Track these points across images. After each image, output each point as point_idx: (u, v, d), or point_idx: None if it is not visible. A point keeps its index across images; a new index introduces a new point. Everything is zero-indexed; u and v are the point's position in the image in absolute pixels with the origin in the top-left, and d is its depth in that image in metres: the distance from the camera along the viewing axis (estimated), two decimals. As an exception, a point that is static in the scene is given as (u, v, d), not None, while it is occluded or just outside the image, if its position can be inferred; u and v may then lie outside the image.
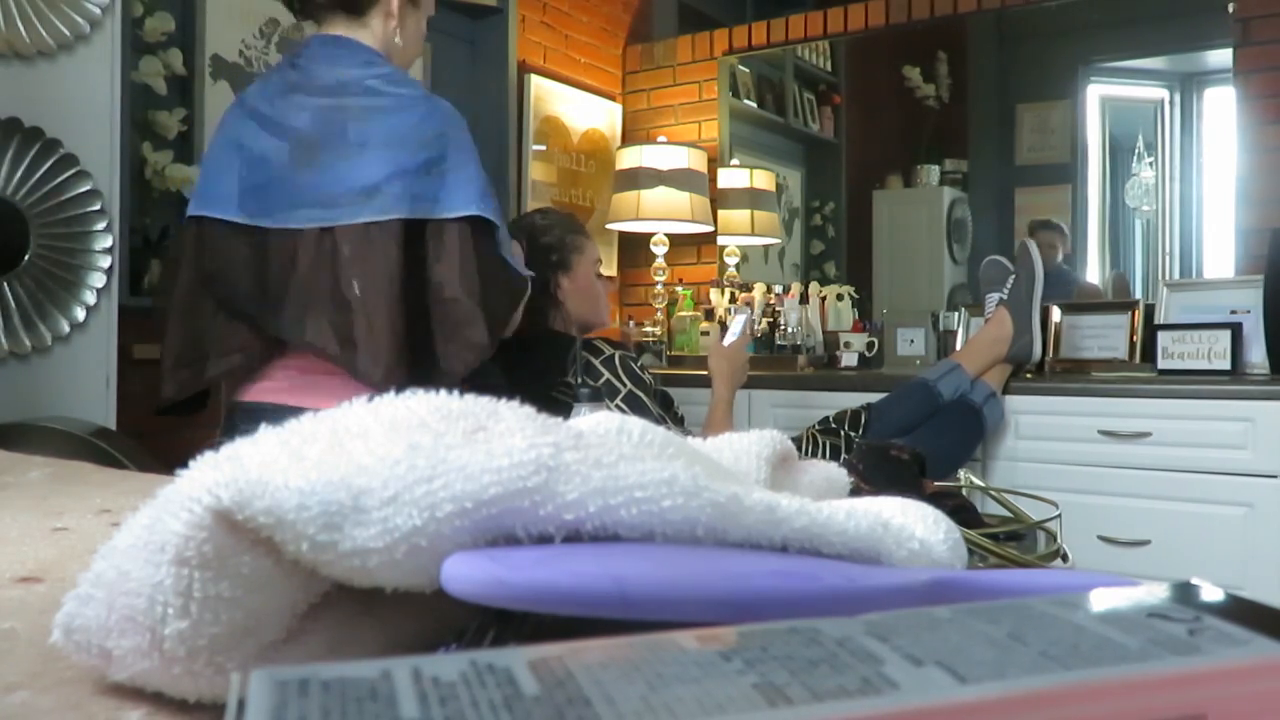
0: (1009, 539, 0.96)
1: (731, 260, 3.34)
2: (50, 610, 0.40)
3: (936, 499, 0.85)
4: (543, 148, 3.30)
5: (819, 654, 0.23)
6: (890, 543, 0.44)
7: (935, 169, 3.33)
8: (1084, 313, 2.70)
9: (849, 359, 3.01)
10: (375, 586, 0.37)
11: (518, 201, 3.18)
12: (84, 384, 1.73)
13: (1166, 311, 2.59)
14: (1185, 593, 0.28)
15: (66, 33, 1.70)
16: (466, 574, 0.34)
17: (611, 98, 3.64)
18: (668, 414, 1.94)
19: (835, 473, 0.66)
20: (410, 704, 0.21)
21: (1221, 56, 2.74)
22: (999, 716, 0.21)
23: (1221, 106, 2.78)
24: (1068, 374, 2.58)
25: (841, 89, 3.68)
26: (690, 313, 3.30)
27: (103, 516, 0.77)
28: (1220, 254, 2.77)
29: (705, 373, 2.11)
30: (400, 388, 0.44)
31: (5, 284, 1.65)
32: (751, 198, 3.39)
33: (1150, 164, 2.94)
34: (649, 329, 3.27)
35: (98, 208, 1.75)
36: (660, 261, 3.26)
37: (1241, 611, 0.26)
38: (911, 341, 2.92)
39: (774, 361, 3.02)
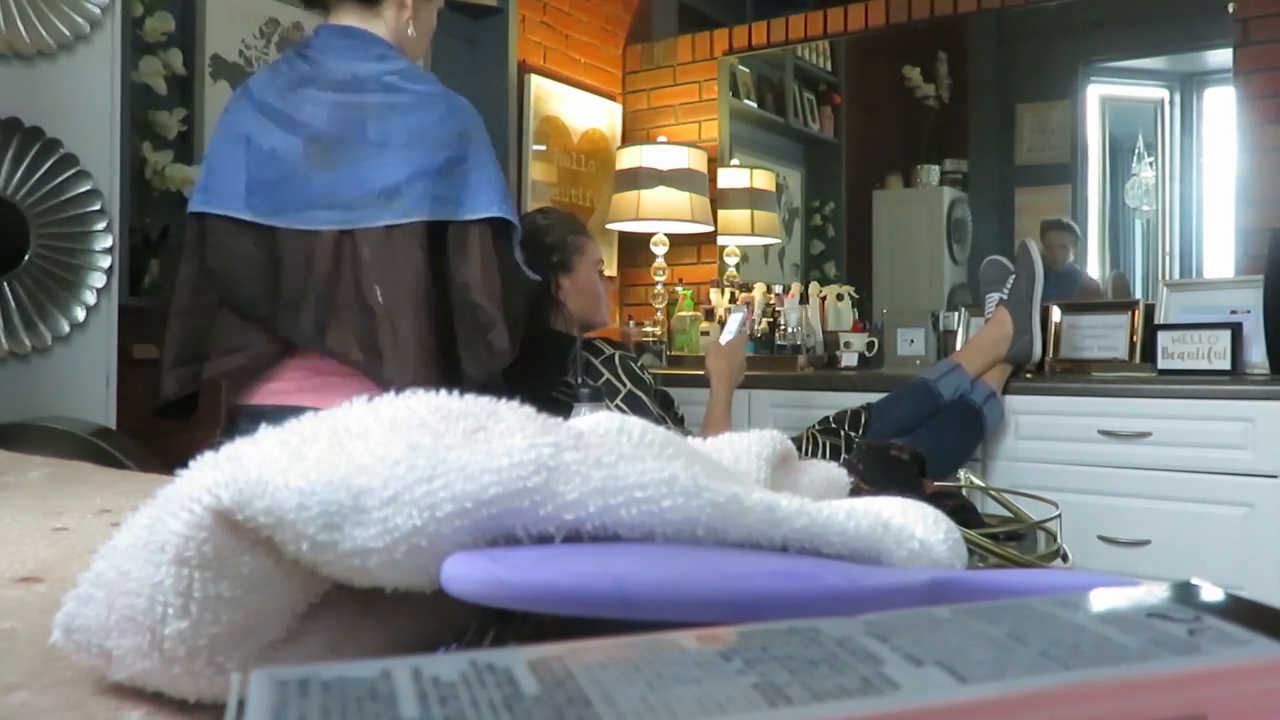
0: (1009, 539, 0.96)
1: (731, 260, 3.34)
2: (50, 610, 0.40)
3: (936, 499, 0.85)
4: (543, 148, 3.30)
5: (819, 654, 0.23)
6: (890, 543, 0.44)
7: (935, 169, 3.33)
8: (1084, 313, 2.70)
9: (849, 359, 3.01)
10: (375, 586, 0.37)
11: (518, 202, 3.19)
12: (84, 384, 1.73)
13: (1166, 311, 2.59)
14: (1185, 593, 0.28)
15: (66, 33, 1.70)
16: (466, 574, 0.34)
17: (611, 98, 3.64)
18: (668, 414, 1.94)
19: (835, 473, 0.66)
20: (410, 704, 0.21)
21: (1221, 56, 2.74)
22: (999, 716, 0.21)
23: (1221, 106, 2.78)
24: (1068, 374, 2.58)
25: (841, 89, 3.68)
26: (690, 313, 3.30)
27: (103, 516, 0.77)
28: (1220, 254, 2.77)
29: (705, 372, 2.11)
30: None
31: (5, 284, 1.65)
32: (751, 198, 3.39)
33: (1150, 164, 2.94)
34: (649, 329, 3.27)
35: (98, 208, 1.75)
36: (660, 261, 3.26)
37: (1241, 611, 0.26)
38: (911, 341, 2.92)
39: (774, 361, 3.02)
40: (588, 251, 1.95)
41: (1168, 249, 2.92)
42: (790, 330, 3.04)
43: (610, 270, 3.45)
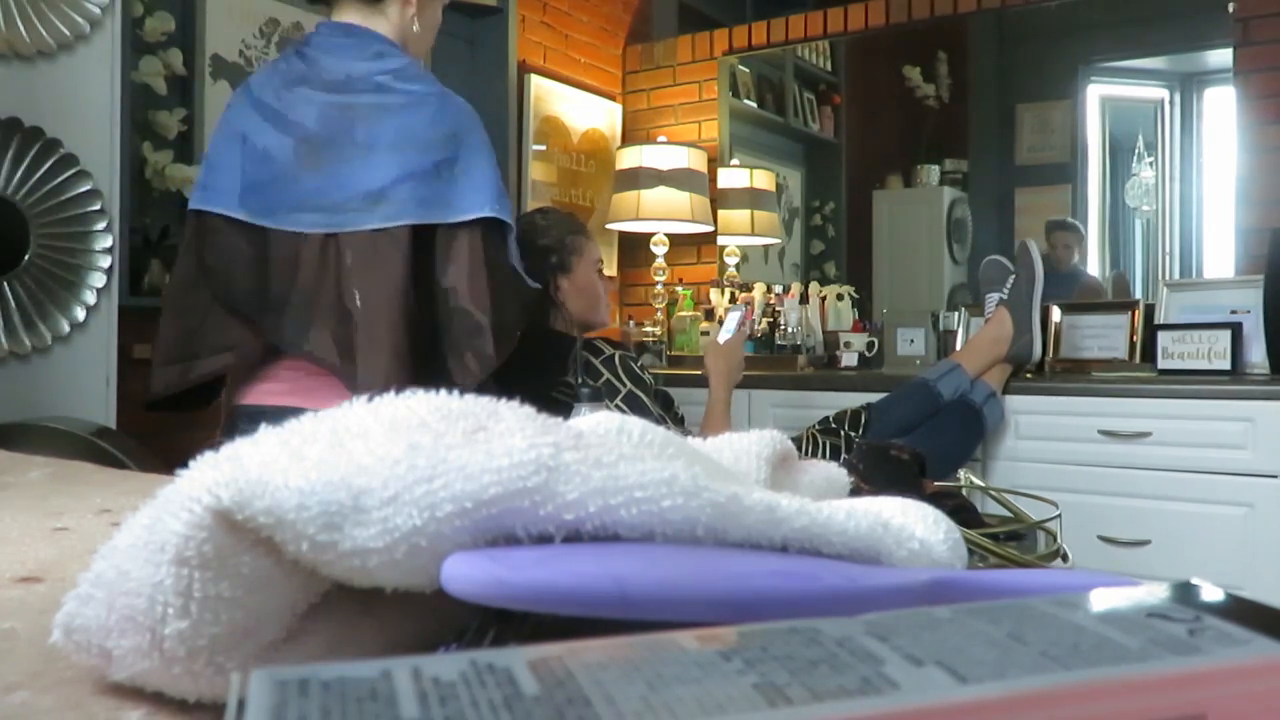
0: (1009, 539, 0.96)
1: (731, 260, 3.34)
2: (50, 610, 0.40)
3: (936, 499, 0.85)
4: (543, 148, 3.30)
5: (819, 654, 0.23)
6: (890, 543, 0.44)
7: (935, 169, 3.33)
8: (1084, 313, 2.70)
9: (849, 359, 3.01)
10: (375, 586, 0.37)
11: (518, 201, 3.18)
12: (84, 384, 1.73)
13: (1166, 311, 2.59)
14: (1185, 593, 0.28)
15: (66, 33, 1.70)
16: (466, 574, 0.34)
17: (611, 98, 3.64)
18: (668, 414, 1.94)
19: (835, 473, 0.66)
20: (410, 704, 0.21)
21: (1221, 56, 2.74)
22: (999, 716, 0.21)
23: (1221, 106, 2.78)
24: (1068, 374, 2.58)
25: (841, 89, 3.68)
26: (690, 313, 3.30)
27: (103, 516, 0.77)
28: (1220, 254, 2.78)
29: (703, 372, 2.11)
30: None
31: (5, 284, 1.65)
32: (751, 198, 3.39)
33: (1150, 164, 2.94)
34: (649, 329, 3.27)
35: (98, 208, 1.75)
36: (660, 261, 3.26)
37: (1241, 611, 0.26)
38: (911, 341, 2.92)
39: (774, 361, 3.02)
40: (587, 252, 1.95)
41: (1168, 249, 2.92)
42: (790, 330, 3.04)
43: (610, 270, 3.45)
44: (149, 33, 2.18)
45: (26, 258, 1.68)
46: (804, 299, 3.25)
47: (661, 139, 3.40)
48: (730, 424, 2.03)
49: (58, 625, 0.39)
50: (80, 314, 1.73)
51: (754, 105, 3.63)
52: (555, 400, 1.76)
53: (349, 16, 1.43)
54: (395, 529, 0.36)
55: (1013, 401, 2.41)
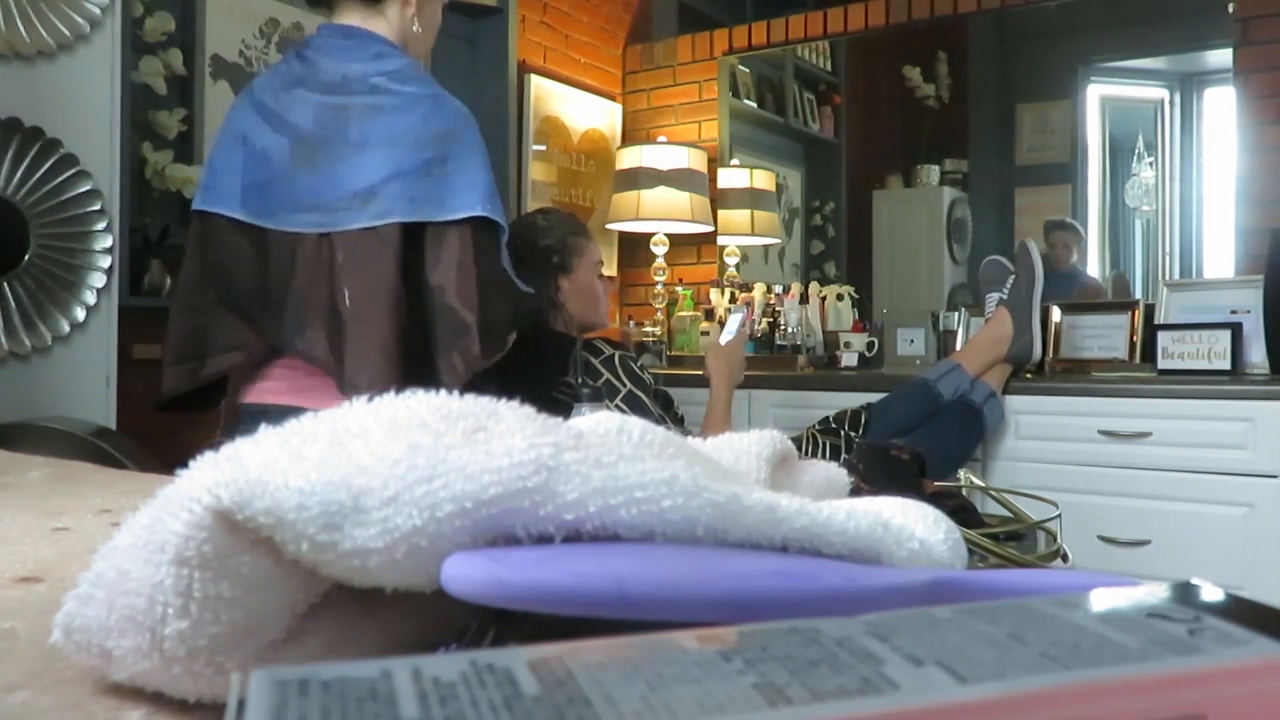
0: (1009, 539, 0.96)
1: (731, 260, 3.34)
2: (50, 610, 0.40)
3: (936, 499, 0.85)
4: (543, 148, 3.30)
5: (819, 654, 0.23)
6: (890, 543, 0.44)
7: (935, 169, 3.33)
8: (1084, 313, 2.70)
9: (849, 359, 3.01)
10: (375, 586, 0.37)
11: (518, 201, 3.19)
12: (84, 384, 1.74)
13: (1166, 311, 2.59)
14: (1185, 593, 0.28)
15: (66, 33, 1.70)
16: (466, 574, 0.34)
17: (611, 98, 3.64)
18: (667, 414, 1.94)
19: (835, 473, 0.66)
20: (410, 704, 0.21)
21: (1221, 56, 2.74)
22: (999, 716, 0.21)
23: (1221, 106, 2.78)
24: (1068, 374, 2.58)
25: (841, 89, 3.68)
26: (690, 313, 3.30)
27: (103, 516, 0.77)
28: (1220, 254, 2.78)
29: (704, 373, 2.11)
30: None
31: (5, 284, 1.65)
32: (751, 198, 3.39)
33: (1150, 164, 2.94)
34: (649, 329, 3.27)
35: (98, 208, 1.75)
36: (660, 261, 3.26)
37: (1241, 611, 0.26)
38: (911, 341, 2.92)
39: (774, 361, 3.02)
40: (587, 253, 1.95)
41: (1168, 249, 2.92)
42: (790, 330, 3.04)
43: (610, 270, 3.45)
44: (149, 33, 2.18)
45: (26, 258, 1.68)
46: (804, 299, 3.25)
47: (661, 139, 3.40)
48: (731, 425, 2.03)
49: (58, 625, 0.39)
50: (80, 314, 1.73)
51: (754, 105, 3.63)
52: (555, 400, 1.76)
53: (349, 18, 1.44)
54: (395, 529, 0.36)
55: (1013, 401, 2.41)
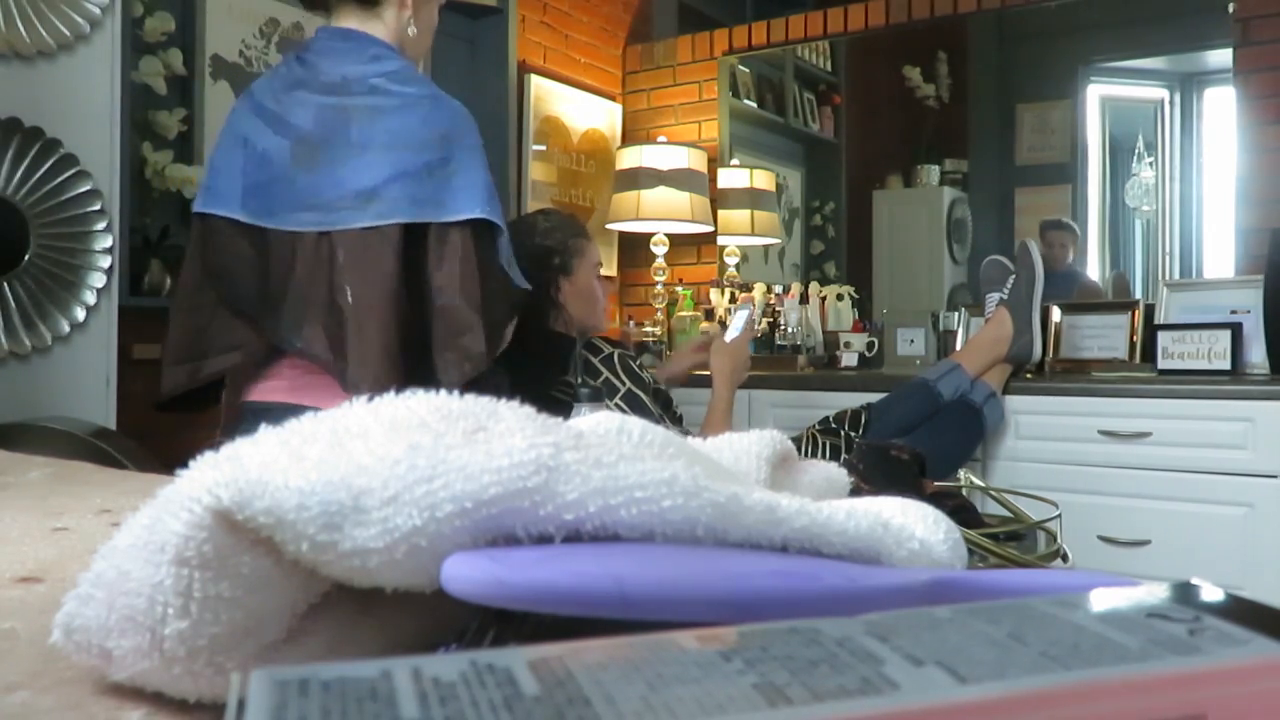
0: (1009, 539, 0.96)
1: (731, 260, 3.35)
2: (50, 610, 0.40)
3: (936, 499, 0.85)
4: (543, 148, 3.30)
5: (819, 654, 0.23)
6: (890, 543, 0.44)
7: (935, 169, 3.33)
8: (1084, 313, 2.70)
9: (849, 359, 3.01)
10: (375, 586, 0.37)
11: (518, 201, 3.18)
12: (84, 384, 1.74)
13: (1166, 311, 2.59)
14: (1185, 593, 0.28)
15: (66, 33, 1.70)
16: (466, 574, 0.34)
17: (611, 98, 3.64)
18: (667, 413, 1.94)
19: (835, 473, 0.66)
20: (410, 704, 0.21)
21: (1221, 56, 2.74)
22: (999, 716, 0.21)
23: (1221, 106, 2.78)
24: (1068, 374, 2.58)
25: (841, 89, 3.68)
26: (690, 313, 3.31)
27: (103, 516, 0.77)
28: (1220, 254, 2.78)
29: (706, 372, 2.10)
30: None
31: (5, 284, 1.65)
32: (751, 198, 3.39)
33: (1150, 164, 2.94)
34: (649, 329, 3.27)
35: (98, 208, 1.75)
36: (660, 261, 3.26)
37: (1241, 611, 0.26)
38: (911, 341, 2.92)
39: (774, 361, 3.02)
40: (587, 254, 1.95)
41: (1168, 249, 2.92)
42: (790, 330, 3.04)
43: (610, 270, 3.45)
44: (149, 33, 2.18)
45: (26, 258, 1.68)
46: (804, 299, 3.25)
47: (661, 139, 3.40)
48: (732, 425, 2.03)
49: (58, 625, 0.39)
50: (80, 314, 1.73)
51: (754, 105, 3.63)
52: (555, 400, 1.76)
53: (347, 21, 1.46)
54: (395, 529, 0.36)
55: (1013, 401, 2.41)
